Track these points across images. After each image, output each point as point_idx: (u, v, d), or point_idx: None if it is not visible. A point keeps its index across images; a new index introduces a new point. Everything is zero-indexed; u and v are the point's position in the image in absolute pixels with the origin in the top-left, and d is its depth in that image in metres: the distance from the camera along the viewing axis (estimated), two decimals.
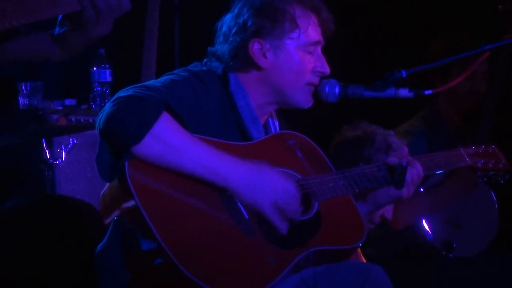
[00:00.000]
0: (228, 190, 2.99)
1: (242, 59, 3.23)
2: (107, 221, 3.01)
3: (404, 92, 3.36)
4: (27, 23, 2.81)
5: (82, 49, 3.13)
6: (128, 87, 3.03)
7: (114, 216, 2.97)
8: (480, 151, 3.72)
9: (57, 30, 3.09)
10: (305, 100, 3.29)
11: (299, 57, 3.25)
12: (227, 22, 3.26)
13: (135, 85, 3.03)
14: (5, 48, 3.06)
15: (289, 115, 3.45)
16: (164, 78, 3.14)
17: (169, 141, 2.94)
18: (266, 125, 3.34)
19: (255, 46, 3.22)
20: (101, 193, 3.05)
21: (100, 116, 2.95)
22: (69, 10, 2.87)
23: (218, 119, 3.17)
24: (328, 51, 3.37)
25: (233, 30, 3.23)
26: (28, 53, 3.15)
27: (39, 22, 2.86)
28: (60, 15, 3.03)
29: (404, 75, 3.35)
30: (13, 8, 2.78)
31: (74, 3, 2.86)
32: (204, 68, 3.26)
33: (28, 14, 2.79)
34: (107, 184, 3.03)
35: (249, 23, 3.21)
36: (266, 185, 3.02)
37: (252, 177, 3.01)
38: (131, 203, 2.89)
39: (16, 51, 3.11)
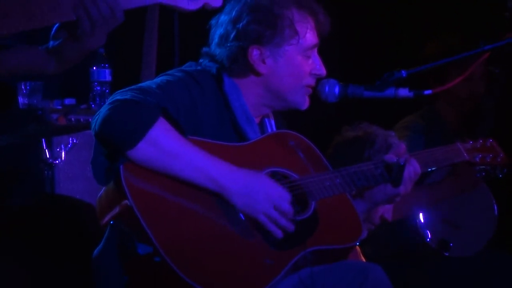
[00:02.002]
0: (222, 196, 2.99)
1: (240, 64, 3.22)
2: (103, 224, 3.01)
3: (404, 92, 3.36)
4: (25, 30, 2.82)
5: (77, 62, 3.13)
6: (125, 89, 3.02)
7: (110, 219, 2.97)
8: (478, 145, 3.71)
9: (51, 43, 3.10)
10: (302, 102, 3.30)
11: (298, 62, 3.25)
12: (224, 24, 3.24)
13: (132, 87, 3.02)
14: (1, 63, 3.07)
15: (287, 115, 3.45)
16: (160, 79, 3.14)
17: (164, 147, 2.94)
18: (262, 125, 3.34)
19: (254, 53, 3.21)
20: (98, 196, 3.05)
21: (96, 118, 2.95)
22: (65, 20, 2.88)
23: (213, 119, 3.16)
24: (328, 51, 3.37)
25: (232, 35, 3.21)
26: (23, 67, 3.16)
27: (34, 32, 2.88)
28: (54, 28, 3.03)
29: (404, 75, 3.34)
30: (14, 14, 2.79)
31: (70, 13, 2.87)
32: (199, 68, 3.25)
33: (27, 22, 2.80)
34: (104, 188, 3.03)
35: (249, 30, 3.19)
36: (259, 195, 3.01)
37: (246, 185, 3.00)
38: (126, 206, 2.88)
39: (11, 65, 3.12)
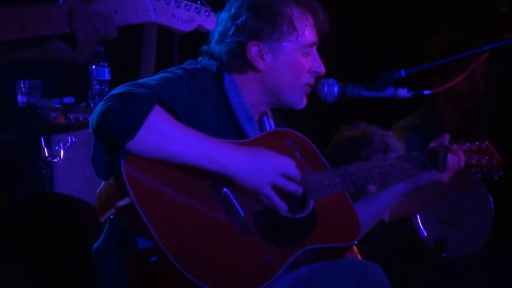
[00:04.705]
0: (227, 176, 2.99)
1: (239, 60, 3.23)
2: (103, 220, 3.01)
3: (403, 92, 3.36)
4: (16, 38, 2.82)
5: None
6: (121, 85, 3.03)
7: (110, 214, 2.97)
8: (474, 147, 3.72)
9: None
10: (299, 101, 3.30)
11: (296, 59, 3.26)
12: (223, 21, 3.26)
13: (128, 83, 3.03)
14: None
15: (287, 114, 3.45)
16: (159, 76, 3.14)
17: (164, 133, 2.93)
18: (260, 122, 3.35)
19: (253, 49, 3.22)
20: (97, 191, 3.05)
21: (93, 115, 2.95)
22: (57, 32, 2.88)
23: (213, 117, 3.17)
24: (327, 51, 3.37)
25: (231, 31, 3.23)
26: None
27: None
28: None
29: (403, 75, 3.35)
30: (6, 23, 2.79)
31: (63, 26, 2.87)
32: (199, 66, 3.26)
33: (19, 31, 2.80)
34: (103, 183, 3.03)
35: (248, 25, 3.21)
36: (264, 167, 3.02)
37: (251, 160, 3.01)
38: (127, 201, 2.89)
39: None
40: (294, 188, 3.07)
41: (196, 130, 3.00)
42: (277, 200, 3.04)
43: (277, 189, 3.05)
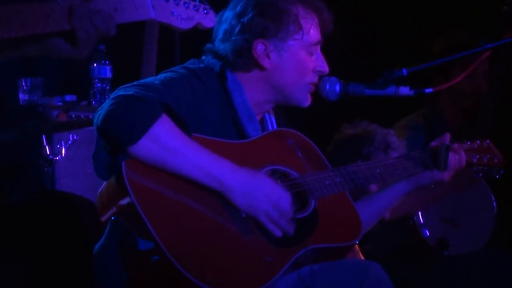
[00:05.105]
0: (223, 194, 2.99)
1: (245, 59, 3.23)
2: (104, 220, 3.01)
3: (404, 90, 3.36)
4: (17, 36, 2.82)
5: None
6: (128, 85, 3.02)
7: (111, 215, 2.97)
8: (475, 146, 3.72)
9: None
10: (304, 99, 3.31)
11: (301, 57, 3.26)
12: (228, 19, 3.26)
13: (135, 83, 3.03)
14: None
15: (288, 112, 3.45)
16: (163, 76, 3.14)
17: (166, 144, 2.94)
18: (262, 121, 3.35)
19: (258, 47, 3.22)
20: (98, 191, 3.05)
21: (99, 113, 2.95)
22: (58, 29, 2.88)
23: (215, 117, 3.17)
24: (330, 49, 3.37)
25: (236, 29, 3.23)
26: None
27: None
28: None
29: (405, 73, 3.34)
30: (7, 21, 2.79)
31: (63, 23, 2.87)
32: (202, 65, 3.26)
33: (20, 29, 2.81)
34: (104, 183, 3.03)
35: (254, 23, 3.21)
36: (260, 195, 3.01)
37: (248, 185, 3.00)
38: (127, 202, 2.89)
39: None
40: (284, 225, 3.04)
41: (199, 143, 2.99)
42: (271, 227, 3.03)
43: (272, 219, 3.04)
